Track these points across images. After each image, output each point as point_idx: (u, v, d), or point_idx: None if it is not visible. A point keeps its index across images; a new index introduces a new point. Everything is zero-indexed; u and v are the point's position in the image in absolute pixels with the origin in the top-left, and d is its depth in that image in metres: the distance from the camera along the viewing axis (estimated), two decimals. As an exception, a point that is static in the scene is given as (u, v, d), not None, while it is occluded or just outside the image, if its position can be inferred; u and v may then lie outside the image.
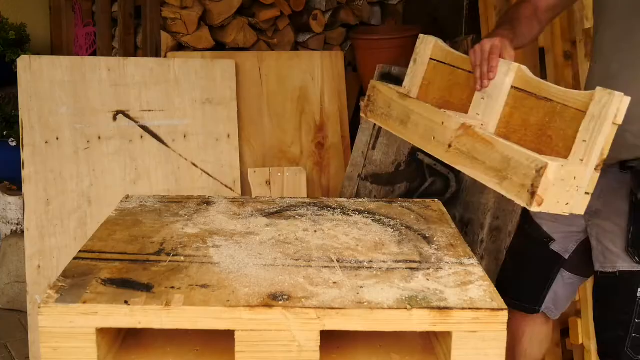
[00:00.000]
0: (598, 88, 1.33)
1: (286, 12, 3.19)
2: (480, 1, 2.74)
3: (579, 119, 1.37)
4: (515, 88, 1.53)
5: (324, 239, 1.51)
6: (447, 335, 1.23)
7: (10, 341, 2.98)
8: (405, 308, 1.18)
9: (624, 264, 1.62)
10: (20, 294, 3.24)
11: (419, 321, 1.19)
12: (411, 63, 1.83)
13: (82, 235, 2.53)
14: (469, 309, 1.19)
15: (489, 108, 1.56)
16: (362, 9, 3.49)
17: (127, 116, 2.68)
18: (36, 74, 2.56)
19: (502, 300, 1.23)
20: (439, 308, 1.19)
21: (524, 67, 1.53)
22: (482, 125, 1.54)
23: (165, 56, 2.90)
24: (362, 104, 1.82)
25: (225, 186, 2.78)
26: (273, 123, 3.04)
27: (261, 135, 3.02)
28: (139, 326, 1.18)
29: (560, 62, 2.33)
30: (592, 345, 2.29)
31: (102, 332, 1.20)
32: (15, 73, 2.54)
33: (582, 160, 1.33)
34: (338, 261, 1.38)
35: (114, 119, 2.66)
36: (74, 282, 1.25)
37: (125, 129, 2.65)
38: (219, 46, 3.06)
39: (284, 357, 1.19)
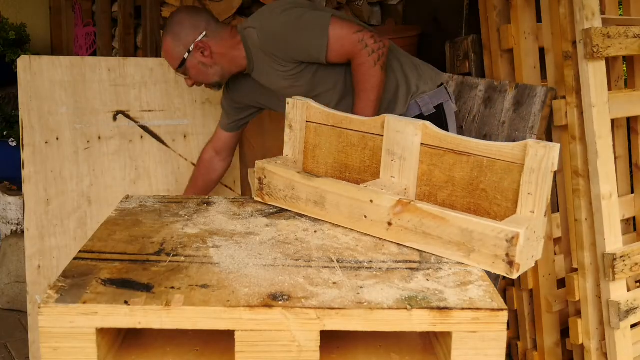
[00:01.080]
0: (529, 141, 1.38)
1: (286, 12, 3.18)
2: (481, 1, 2.74)
3: (512, 171, 1.42)
4: (427, 145, 1.54)
5: (324, 239, 1.51)
6: (447, 335, 1.23)
7: (10, 341, 2.99)
8: (405, 308, 1.18)
9: None
10: (20, 294, 3.25)
11: (418, 321, 1.19)
12: (287, 130, 1.80)
13: (82, 235, 2.54)
14: (469, 309, 1.19)
15: (405, 169, 1.57)
16: (362, 9, 3.49)
17: (127, 116, 2.68)
18: (36, 74, 2.56)
19: (502, 300, 1.23)
20: (439, 308, 1.19)
21: (428, 123, 1.54)
22: (405, 190, 1.56)
23: (165, 56, 2.90)
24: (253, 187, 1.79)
25: (225, 186, 2.78)
26: (273, 123, 3.04)
27: (261, 135, 3.02)
28: (139, 326, 1.18)
29: (560, 63, 2.33)
30: (592, 345, 2.29)
31: (102, 332, 1.20)
32: (15, 73, 2.54)
33: (532, 212, 1.39)
34: (338, 261, 1.39)
35: (114, 119, 2.66)
36: (74, 282, 1.25)
37: (125, 129, 2.65)
38: (219, 46, 3.06)
39: (284, 357, 1.19)
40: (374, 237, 1.52)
